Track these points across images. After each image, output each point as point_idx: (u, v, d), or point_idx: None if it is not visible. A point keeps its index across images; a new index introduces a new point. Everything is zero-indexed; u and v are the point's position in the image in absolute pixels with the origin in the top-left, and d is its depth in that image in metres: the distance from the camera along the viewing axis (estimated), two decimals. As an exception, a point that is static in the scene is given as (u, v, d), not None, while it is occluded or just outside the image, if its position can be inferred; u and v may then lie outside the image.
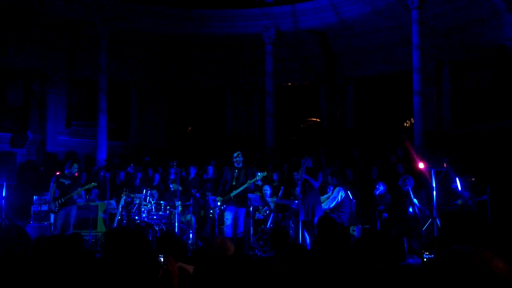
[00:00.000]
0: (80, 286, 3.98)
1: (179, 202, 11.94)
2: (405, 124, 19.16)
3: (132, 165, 15.94)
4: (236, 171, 10.94)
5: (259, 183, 12.07)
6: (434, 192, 10.30)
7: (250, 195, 11.33)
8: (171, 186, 12.91)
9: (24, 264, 3.87)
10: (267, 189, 12.59)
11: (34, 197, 13.40)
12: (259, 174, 11.25)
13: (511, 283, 1.70)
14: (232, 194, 10.70)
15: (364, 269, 3.37)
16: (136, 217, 12.13)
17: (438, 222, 9.93)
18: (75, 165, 12.05)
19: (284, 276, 2.67)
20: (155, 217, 11.98)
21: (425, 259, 3.72)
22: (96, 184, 12.57)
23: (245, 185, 10.77)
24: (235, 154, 11.09)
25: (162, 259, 3.99)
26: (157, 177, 15.00)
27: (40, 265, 4.18)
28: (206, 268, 4.04)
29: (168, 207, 12.24)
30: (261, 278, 2.66)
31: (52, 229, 11.86)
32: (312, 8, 17.95)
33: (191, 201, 12.61)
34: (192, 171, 14.82)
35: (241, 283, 3.06)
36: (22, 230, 4.19)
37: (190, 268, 4.36)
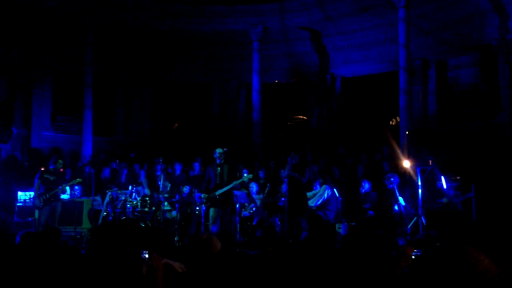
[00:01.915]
0: (63, 282, 3.95)
1: (165, 196, 11.88)
2: (390, 122, 19.24)
3: (117, 161, 15.85)
4: (219, 168, 10.84)
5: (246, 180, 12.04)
6: (420, 190, 10.34)
7: (236, 192, 11.28)
8: (159, 183, 12.83)
9: (7, 258, 3.83)
10: (254, 186, 12.58)
11: (19, 192, 13.28)
12: (245, 175, 11.21)
13: (496, 279, 1.71)
14: (217, 193, 10.63)
15: (353, 266, 3.38)
16: (122, 214, 12.05)
17: (423, 220, 9.98)
18: (60, 161, 11.97)
19: (272, 272, 2.66)
20: (140, 213, 11.92)
21: (412, 257, 3.75)
22: (81, 180, 12.48)
23: (231, 185, 10.70)
24: (218, 151, 10.95)
25: (146, 255, 3.97)
26: (142, 173, 14.92)
27: (23, 260, 4.14)
28: (194, 265, 4.03)
29: (154, 202, 12.18)
30: (249, 275, 2.66)
31: (36, 225, 11.77)
32: (300, 5, 17.96)
33: (177, 198, 12.57)
34: (178, 168, 14.77)
35: (229, 279, 3.05)
36: (6, 225, 4.16)
37: (176, 265, 4.34)
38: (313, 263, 4.18)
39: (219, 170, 10.78)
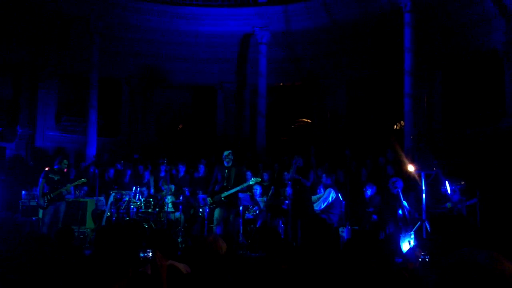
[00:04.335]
0: (69, 282, 3.96)
1: (170, 198, 11.90)
2: (395, 126, 19.21)
3: (121, 162, 15.88)
4: (226, 171, 10.79)
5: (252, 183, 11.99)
6: (424, 195, 10.34)
7: (240, 195, 11.27)
8: (162, 187, 12.87)
9: (18, 257, 3.85)
10: (257, 189, 12.57)
11: (23, 191, 13.31)
12: (252, 179, 11.19)
13: None
14: (223, 195, 10.60)
15: (357, 270, 3.38)
16: (125, 214, 12.08)
17: (428, 225, 9.97)
18: (65, 161, 11.98)
19: (278, 275, 2.67)
20: (144, 214, 11.94)
21: (420, 260, 3.75)
22: (85, 180, 12.50)
23: (237, 188, 10.67)
24: (225, 153, 10.92)
25: (150, 255, 3.98)
26: (147, 174, 14.95)
27: (29, 260, 4.15)
28: (200, 266, 4.03)
29: (157, 203, 12.20)
30: (255, 277, 2.66)
31: (40, 225, 11.78)
32: (305, 8, 17.96)
33: (181, 199, 12.58)
34: (182, 169, 14.78)
35: (235, 281, 3.05)
36: (15, 223, 4.17)
37: (181, 266, 4.34)
38: (316, 267, 4.18)
39: (226, 172, 10.74)
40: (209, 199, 10.92)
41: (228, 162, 10.76)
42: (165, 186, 12.66)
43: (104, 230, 5.55)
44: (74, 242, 5.98)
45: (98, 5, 17.74)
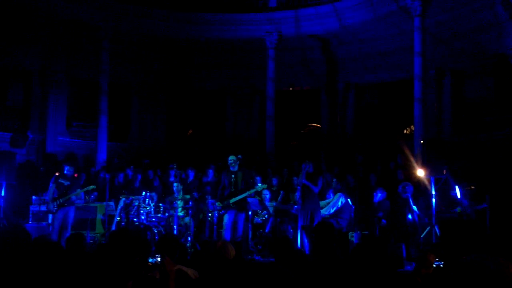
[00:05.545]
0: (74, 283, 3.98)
1: (180, 202, 11.93)
2: (405, 131, 19.16)
3: (132, 167, 15.92)
4: (233, 176, 10.74)
5: (259, 190, 11.95)
6: (433, 200, 10.29)
7: (249, 199, 11.25)
8: (174, 185, 12.86)
9: (25, 263, 3.87)
10: (266, 194, 12.57)
11: (33, 197, 13.37)
12: (259, 185, 11.17)
13: None
14: (231, 201, 10.57)
15: (364, 276, 3.36)
16: (135, 219, 12.11)
17: (437, 230, 9.93)
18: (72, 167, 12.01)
19: (288, 282, 2.66)
20: (154, 219, 11.96)
21: (433, 265, 3.74)
22: (95, 186, 12.52)
23: (245, 194, 10.64)
24: (231, 158, 10.85)
25: (159, 260, 4.00)
26: (156, 179, 14.99)
27: (38, 265, 4.18)
28: (208, 271, 4.04)
29: (167, 208, 12.24)
30: (264, 284, 2.66)
31: (50, 230, 11.81)
32: (315, 13, 17.96)
33: (190, 204, 12.60)
34: (191, 174, 14.80)
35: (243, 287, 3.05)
36: (24, 230, 4.19)
37: (189, 271, 4.36)
38: (325, 272, 4.17)
39: (233, 178, 10.70)
40: (218, 204, 10.91)
41: (234, 167, 10.73)
42: (177, 184, 12.67)
43: (115, 234, 5.58)
44: (84, 248, 5.99)
45: (108, 11, 17.83)
